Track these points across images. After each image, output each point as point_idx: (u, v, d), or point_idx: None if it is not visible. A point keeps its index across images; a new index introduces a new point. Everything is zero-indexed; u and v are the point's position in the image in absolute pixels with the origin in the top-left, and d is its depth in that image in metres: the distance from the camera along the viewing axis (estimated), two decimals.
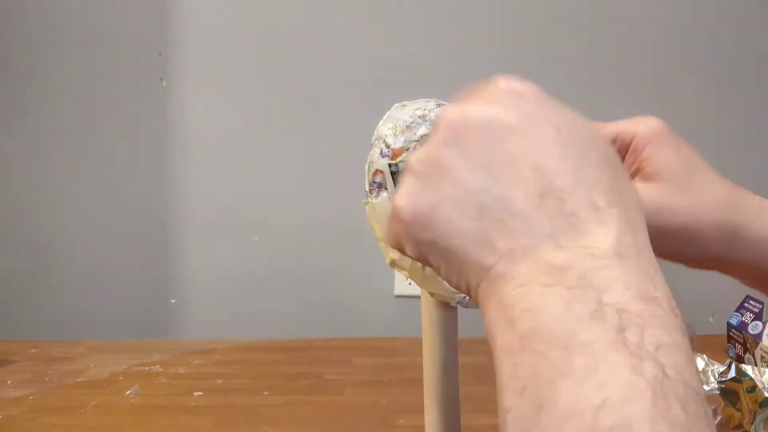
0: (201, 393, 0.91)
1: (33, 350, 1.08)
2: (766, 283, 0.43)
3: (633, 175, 0.43)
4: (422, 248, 0.31)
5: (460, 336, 0.55)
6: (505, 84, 0.31)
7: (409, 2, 1.26)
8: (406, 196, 0.31)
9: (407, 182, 0.31)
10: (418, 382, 0.55)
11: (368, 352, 1.07)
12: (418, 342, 0.55)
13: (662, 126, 0.43)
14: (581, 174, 0.28)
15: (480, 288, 0.29)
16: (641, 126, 0.43)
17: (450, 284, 0.31)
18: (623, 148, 0.43)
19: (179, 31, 1.28)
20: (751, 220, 0.41)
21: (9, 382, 0.95)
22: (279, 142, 1.28)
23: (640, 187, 0.41)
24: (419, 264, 0.49)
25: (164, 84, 1.28)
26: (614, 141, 0.44)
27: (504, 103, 0.30)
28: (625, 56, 1.26)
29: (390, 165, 0.46)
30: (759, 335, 0.99)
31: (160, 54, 1.28)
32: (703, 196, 0.41)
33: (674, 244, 0.41)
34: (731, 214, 0.41)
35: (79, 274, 1.31)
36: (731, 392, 0.68)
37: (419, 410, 0.55)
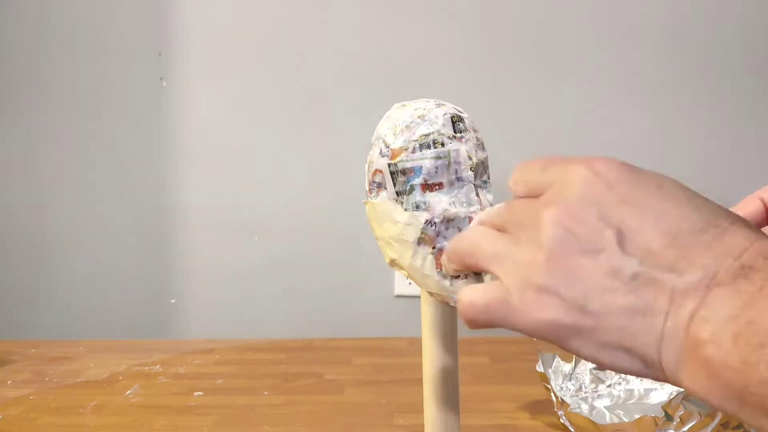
0: (201, 393, 0.91)
1: (33, 350, 1.07)
2: None
3: None
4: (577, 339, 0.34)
5: (460, 336, 0.55)
6: (602, 165, 0.34)
7: (410, 2, 1.26)
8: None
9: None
10: (418, 382, 0.55)
11: (368, 352, 1.07)
12: (418, 342, 0.55)
13: None
14: (701, 209, 0.33)
15: (668, 350, 0.31)
16: None
17: (618, 370, 0.33)
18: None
19: (179, 31, 1.28)
20: None
21: (9, 382, 0.95)
22: (279, 142, 1.28)
23: None
24: (418, 263, 0.49)
25: (164, 84, 1.28)
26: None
27: (610, 178, 0.34)
28: (626, 57, 1.26)
29: (389, 165, 0.46)
30: None
31: (160, 54, 1.28)
32: None
33: None
34: None
35: (78, 274, 1.31)
36: None
37: (419, 410, 0.55)
